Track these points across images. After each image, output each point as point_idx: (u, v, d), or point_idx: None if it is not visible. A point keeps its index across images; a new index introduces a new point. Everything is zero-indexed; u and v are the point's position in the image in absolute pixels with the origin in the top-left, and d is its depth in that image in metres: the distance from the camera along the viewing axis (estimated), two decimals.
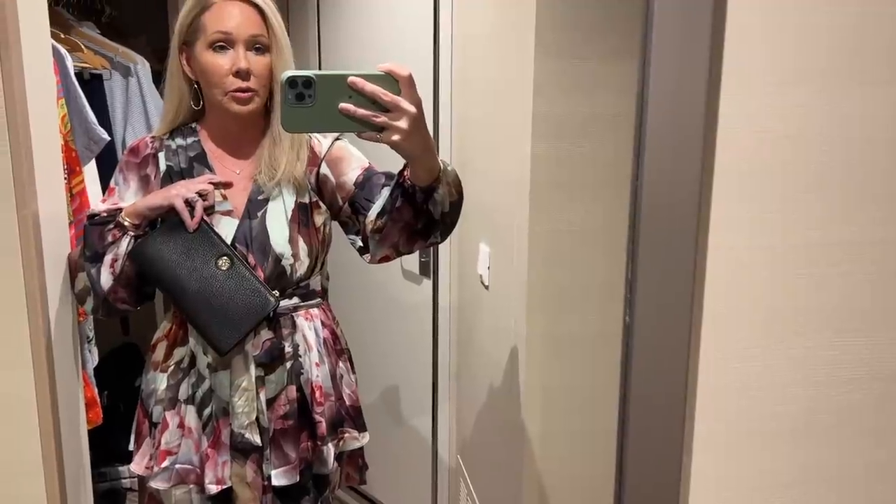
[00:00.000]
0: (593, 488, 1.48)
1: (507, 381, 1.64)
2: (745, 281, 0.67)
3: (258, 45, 1.34)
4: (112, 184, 1.44)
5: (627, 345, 0.61)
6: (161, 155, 1.43)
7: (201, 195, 1.35)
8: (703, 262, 0.62)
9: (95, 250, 1.38)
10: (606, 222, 1.38)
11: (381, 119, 1.04)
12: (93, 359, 2.03)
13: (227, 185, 1.40)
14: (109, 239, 1.37)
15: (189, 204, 1.35)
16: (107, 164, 2.26)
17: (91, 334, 2.01)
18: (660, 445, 0.68)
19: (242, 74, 1.33)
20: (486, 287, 1.79)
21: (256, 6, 1.35)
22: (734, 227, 0.66)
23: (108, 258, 1.37)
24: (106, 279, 1.38)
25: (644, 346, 0.63)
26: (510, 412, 1.60)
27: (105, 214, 1.40)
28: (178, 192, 1.34)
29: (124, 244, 1.37)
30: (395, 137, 1.05)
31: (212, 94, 1.36)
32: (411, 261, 2.25)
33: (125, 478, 2.82)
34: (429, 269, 2.21)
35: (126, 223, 1.36)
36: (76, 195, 1.87)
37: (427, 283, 2.23)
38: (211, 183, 1.38)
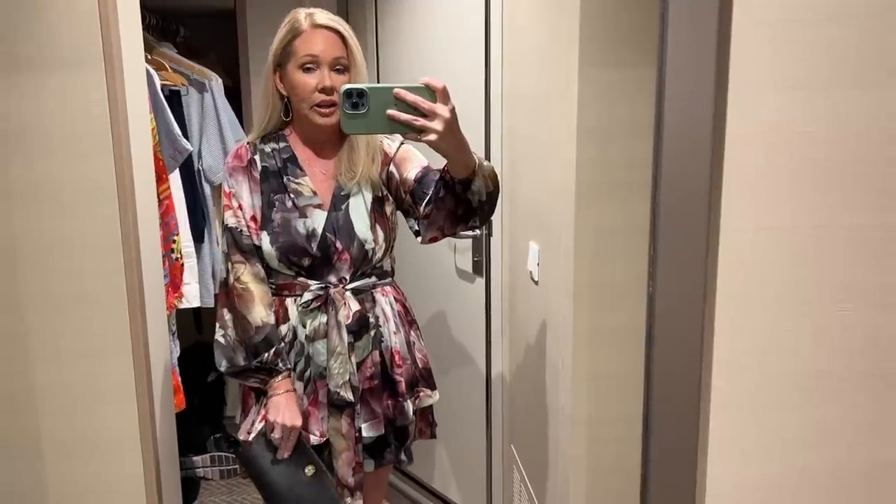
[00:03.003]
0: (637, 469, 1.57)
1: (556, 371, 1.74)
2: (758, 260, 0.77)
3: (339, 66, 1.58)
4: (227, 188, 1.65)
5: (650, 315, 0.72)
6: (256, 157, 1.66)
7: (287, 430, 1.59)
8: (715, 245, 0.73)
9: (238, 376, 1.64)
10: (646, 221, 1.48)
11: (421, 122, 1.30)
12: (176, 350, 2.21)
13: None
14: (248, 383, 1.64)
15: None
16: (185, 174, 2.45)
17: (174, 328, 2.20)
18: (681, 406, 0.79)
19: (327, 91, 1.56)
20: (536, 282, 1.90)
21: (339, 33, 1.59)
22: (745, 214, 0.76)
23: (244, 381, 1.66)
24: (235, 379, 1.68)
25: (665, 317, 0.73)
26: (559, 400, 1.70)
27: (259, 371, 1.63)
28: (281, 422, 1.57)
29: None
30: (432, 137, 1.31)
31: (300, 107, 1.60)
32: (464, 260, 2.38)
33: (199, 467, 3.02)
34: (481, 267, 2.33)
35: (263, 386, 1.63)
36: (162, 200, 2.05)
37: (480, 281, 2.35)
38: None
